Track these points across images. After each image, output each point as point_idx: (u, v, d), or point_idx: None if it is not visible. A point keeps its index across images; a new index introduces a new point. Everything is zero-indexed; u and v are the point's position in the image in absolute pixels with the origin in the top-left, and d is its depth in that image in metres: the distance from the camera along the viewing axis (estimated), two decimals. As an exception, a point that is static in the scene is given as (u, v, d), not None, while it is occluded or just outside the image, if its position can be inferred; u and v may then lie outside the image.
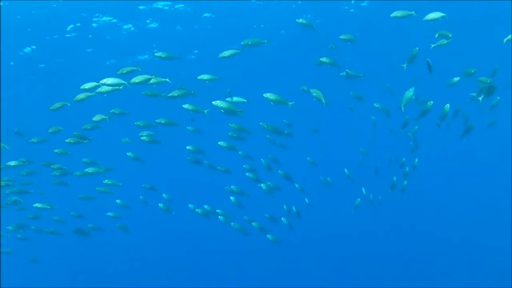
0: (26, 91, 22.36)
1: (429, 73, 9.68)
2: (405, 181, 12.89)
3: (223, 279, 22.31)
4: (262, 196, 12.21)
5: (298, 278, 21.82)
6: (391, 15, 9.45)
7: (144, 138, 10.77)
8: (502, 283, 17.85)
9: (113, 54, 19.61)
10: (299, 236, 19.39)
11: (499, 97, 11.61)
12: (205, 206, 12.14)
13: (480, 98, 9.38)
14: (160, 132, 11.13)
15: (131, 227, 13.67)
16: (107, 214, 13.10)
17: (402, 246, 23.68)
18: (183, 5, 16.31)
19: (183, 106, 9.47)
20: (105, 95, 8.66)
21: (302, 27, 11.03)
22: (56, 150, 11.12)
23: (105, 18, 16.69)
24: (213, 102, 8.89)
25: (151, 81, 8.84)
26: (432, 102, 9.29)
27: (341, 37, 10.47)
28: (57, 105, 9.85)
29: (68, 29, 17.13)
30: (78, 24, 16.88)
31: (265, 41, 9.52)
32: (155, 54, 9.79)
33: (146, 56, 20.15)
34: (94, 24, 16.98)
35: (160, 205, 12.67)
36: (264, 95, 8.88)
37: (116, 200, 13.14)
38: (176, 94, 9.35)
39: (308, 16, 17.82)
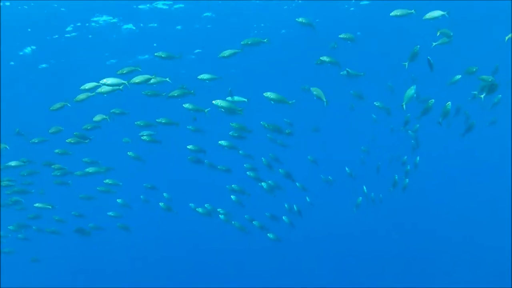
0: (26, 91, 22.34)
1: (430, 71, 9.69)
2: (407, 180, 12.90)
3: (224, 278, 22.30)
4: (263, 195, 12.19)
5: (300, 277, 21.81)
6: (391, 14, 9.42)
7: (144, 137, 10.76)
8: (502, 283, 17.83)
9: (113, 54, 19.60)
10: (300, 235, 19.38)
11: (500, 95, 11.59)
12: (206, 205, 12.13)
13: (482, 96, 9.36)
14: (160, 131, 11.12)
15: (132, 227, 13.67)
16: (108, 213, 13.11)
17: (402, 246, 23.65)
18: (183, 5, 16.29)
19: (184, 105, 9.47)
20: (105, 95, 8.64)
21: (302, 26, 11.00)
22: (56, 150, 11.13)
23: (105, 18, 16.67)
24: (213, 102, 8.89)
25: (151, 81, 8.83)
26: (433, 100, 9.27)
27: (341, 36, 10.45)
28: (58, 105, 9.85)
29: (68, 29, 17.12)
30: (78, 24, 16.87)
31: (265, 40, 9.51)
32: (155, 54, 9.77)
33: (146, 56, 20.14)
34: (94, 24, 16.96)
35: (161, 204, 12.66)
36: (264, 94, 8.88)
37: (117, 200, 13.14)
38: (176, 94, 9.34)
39: (308, 15, 17.82)
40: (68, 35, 17.58)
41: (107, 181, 12.03)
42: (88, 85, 8.65)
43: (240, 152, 11.65)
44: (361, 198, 13.89)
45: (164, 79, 9.12)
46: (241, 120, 10.23)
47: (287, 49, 20.64)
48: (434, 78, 14.48)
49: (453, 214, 26.49)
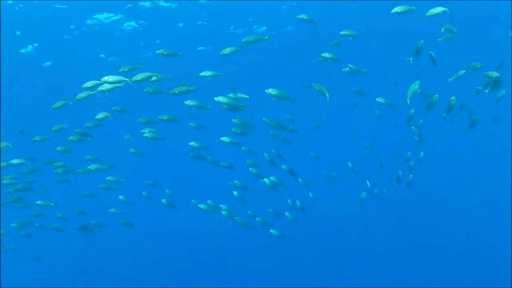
0: (27, 90, 22.34)
1: (433, 66, 9.69)
2: (411, 175, 12.88)
3: (227, 274, 22.35)
4: (265, 191, 12.18)
5: (303, 273, 21.84)
6: (392, 11, 9.44)
7: (146, 134, 10.75)
8: (502, 283, 17.80)
9: (115, 51, 19.56)
10: (303, 230, 19.37)
11: (504, 91, 11.54)
12: (208, 201, 12.12)
13: (487, 91, 9.36)
14: (162, 128, 11.11)
15: (135, 223, 13.68)
16: (110, 210, 13.13)
17: (403, 244, 23.62)
18: (184, 2, 16.22)
19: (185, 102, 9.45)
20: (106, 93, 8.63)
21: (304, 23, 10.98)
22: (58, 148, 11.16)
23: (106, 15, 16.63)
24: (215, 98, 8.87)
25: (153, 78, 8.82)
26: (437, 95, 9.24)
27: (343, 32, 10.41)
28: (59, 103, 9.87)
29: (70, 26, 17.08)
30: (79, 23, 16.83)
31: (266, 37, 9.51)
32: (157, 51, 9.77)
33: (148, 53, 20.09)
34: (96, 22, 16.92)
35: (163, 200, 12.67)
36: (266, 90, 8.85)
37: (119, 196, 13.16)
38: (176, 92, 9.32)
39: (311, 13, 17.74)
40: (70, 34, 17.54)
41: (109, 178, 12.05)
42: (89, 84, 8.65)
43: (242, 148, 11.63)
44: (365, 193, 13.86)
45: (166, 76, 9.11)
46: (243, 116, 10.20)
47: (290, 47, 20.56)
48: (436, 75, 14.44)
49: (457, 210, 26.45)
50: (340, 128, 31.77)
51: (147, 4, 16.05)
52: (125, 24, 17.45)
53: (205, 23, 18.11)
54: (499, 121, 15.77)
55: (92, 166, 11.24)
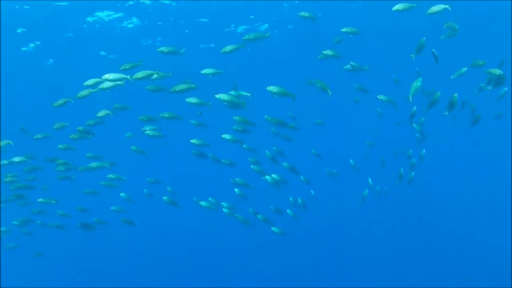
0: (28, 88, 22.34)
1: (435, 63, 9.68)
2: (412, 173, 12.86)
3: (228, 271, 22.36)
4: (267, 188, 12.17)
5: (304, 270, 21.85)
6: (393, 9, 9.41)
7: (148, 132, 10.73)
8: (502, 283, 17.78)
9: (115, 49, 19.54)
10: (305, 228, 19.38)
11: (506, 88, 11.50)
12: (209, 198, 12.12)
13: (490, 88, 9.34)
14: (164, 126, 11.09)
15: (136, 221, 13.69)
16: (111, 208, 13.12)
17: (404, 242, 23.60)
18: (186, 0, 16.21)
19: (187, 100, 9.43)
20: (107, 90, 8.61)
21: (305, 21, 10.97)
22: (60, 146, 11.14)
23: (107, 13, 16.60)
24: (216, 96, 8.85)
25: (154, 76, 8.80)
26: (439, 93, 9.22)
27: (344, 29, 10.39)
28: (60, 101, 9.86)
29: (71, 24, 17.05)
30: (80, 20, 16.80)
31: (267, 35, 9.49)
32: (158, 49, 9.74)
33: (149, 51, 20.05)
34: (96, 19, 16.89)
35: (165, 198, 12.66)
36: (267, 88, 8.83)
37: (121, 194, 13.15)
38: (178, 89, 9.30)
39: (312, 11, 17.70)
40: (71, 31, 17.52)
41: (110, 175, 12.04)
42: (90, 81, 8.64)
43: (244, 146, 11.62)
44: (367, 191, 13.86)
45: (167, 74, 9.09)
46: (244, 114, 10.19)
47: (291, 45, 20.52)
48: (436, 73, 14.40)
49: (458, 208, 26.40)
50: (341, 126, 31.69)
51: (148, 1, 16.02)
52: (126, 22, 17.41)
53: (207, 21, 18.06)
54: (501, 118, 15.73)
55: (94, 164, 11.20)
